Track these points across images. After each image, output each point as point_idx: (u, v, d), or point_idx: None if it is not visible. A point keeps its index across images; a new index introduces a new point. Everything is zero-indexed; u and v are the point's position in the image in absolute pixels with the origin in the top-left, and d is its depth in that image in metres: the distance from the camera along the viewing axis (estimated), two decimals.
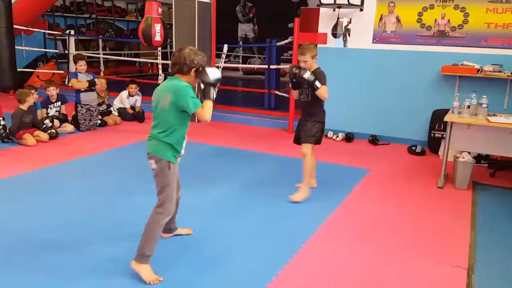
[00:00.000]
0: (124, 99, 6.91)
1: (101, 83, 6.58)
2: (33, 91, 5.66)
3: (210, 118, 2.59)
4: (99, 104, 6.59)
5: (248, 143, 5.77)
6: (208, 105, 2.58)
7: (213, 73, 2.60)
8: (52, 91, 6.04)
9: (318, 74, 3.67)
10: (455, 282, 2.65)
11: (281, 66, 7.85)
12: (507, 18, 5.17)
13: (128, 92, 6.93)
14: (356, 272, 2.73)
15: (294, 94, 3.93)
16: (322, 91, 3.65)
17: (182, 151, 2.70)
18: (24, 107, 5.41)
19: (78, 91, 6.07)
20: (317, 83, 3.61)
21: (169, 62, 9.48)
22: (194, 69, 2.53)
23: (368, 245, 3.08)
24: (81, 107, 6.12)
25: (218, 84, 2.69)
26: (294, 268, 2.74)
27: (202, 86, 2.62)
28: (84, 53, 8.53)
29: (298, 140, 3.96)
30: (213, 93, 2.63)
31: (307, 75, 3.59)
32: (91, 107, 6.20)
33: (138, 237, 3.02)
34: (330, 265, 2.81)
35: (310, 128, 3.81)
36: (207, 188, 4.07)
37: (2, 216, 3.34)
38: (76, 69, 6.17)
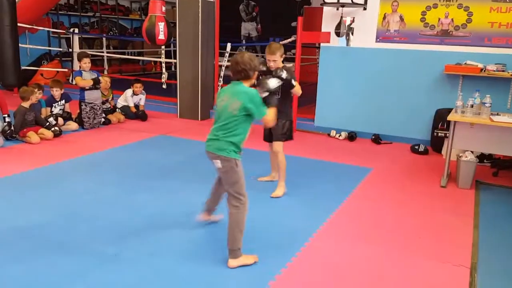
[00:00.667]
0: (129, 98, 6.92)
1: (105, 81, 6.61)
2: (36, 89, 5.68)
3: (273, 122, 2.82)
4: (103, 102, 6.61)
5: (250, 142, 5.74)
6: (273, 112, 2.84)
7: (273, 83, 3.04)
8: (55, 92, 6.05)
9: (290, 72, 3.73)
10: (458, 281, 2.66)
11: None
12: (511, 17, 5.16)
13: (133, 91, 6.95)
14: (359, 271, 2.74)
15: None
16: (297, 88, 3.76)
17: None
18: (26, 104, 5.43)
19: (83, 89, 6.09)
20: (293, 81, 3.70)
21: (172, 60, 9.51)
22: (256, 73, 2.78)
23: (370, 244, 3.09)
24: (85, 105, 6.13)
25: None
26: (297, 266, 2.75)
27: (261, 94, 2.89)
28: (88, 51, 8.54)
29: (269, 138, 4.06)
30: (275, 100, 2.93)
31: (284, 75, 3.62)
32: (95, 105, 6.21)
33: (141, 235, 3.06)
34: (333, 263, 2.82)
35: (281, 127, 3.89)
36: (210, 186, 4.08)
37: (5, 213, 3.36)
38: (80, 67, 6.18)
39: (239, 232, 2.71)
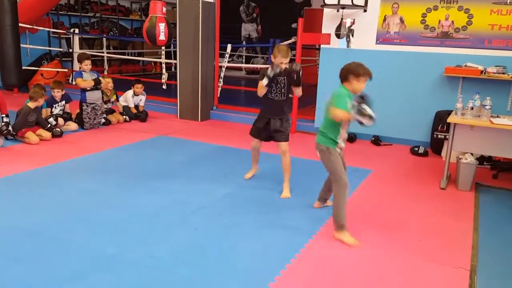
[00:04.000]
0: (129, 98, 6.92)
1: (106, 82, 6.62)
2: (43, 91, 5.67)
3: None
4: (105, 102, 6.62)
5: (250, 143, 5.76)
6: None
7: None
8: (56, 93, 6.05)
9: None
10: (457, 284, 2.66)
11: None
12: (511, 20, 5.16)
13: (134, 91, 6.95)
14: (358, 272, 2.74)
15: (262, 91, 3.88)
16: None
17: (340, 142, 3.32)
18: (32, 105, 5.44)
19: (84, 90, 6.09)
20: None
21: (172, 61, 9.51)
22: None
23: (370, 246, 3.09)
24: (87, 106, 6.14)
25: None
26: (297, 267, 2.75)
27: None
28: (88, 51, 8.55)
29: (264, 136, 4.14)
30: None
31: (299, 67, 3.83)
32: (96, 105, 6.21)
33: (141, 236, 3.05)
34: (333, 264, 2.82)
35: (286, 128, 4.02)
36: (211, 187, 4.09)
37: (5, 213, 3.36)
38: (80, 68, 6.18)
39: (341, 209, 3.14)
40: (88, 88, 6.08)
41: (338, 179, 3.22)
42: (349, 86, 3.24)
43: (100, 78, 6.25)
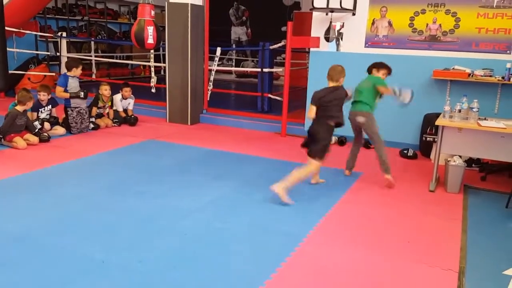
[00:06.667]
0: (118, 102, 6.86)
1: (104, 89, 6.58)
2: (31, 95, 5.60)
3: None
4: (99, 107, 6.56)
5: (241, 146, 5.76)
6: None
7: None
8: (42, 96, 5.98)
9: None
10: (446, 285, 2.66)
11: (274, 70, 7.86)
12: (497, 23, 5.23)
13: (122, 95, 6.89)
14: (348, 275, 2.74)
15: None
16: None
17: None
18: (21, 109, 5.37)
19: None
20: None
21: (161, 64, 9.46)
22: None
23: (360, 248, 3.09)
24: (72, 110, 6.07)
25: None
26: (287, 271, 2.74)
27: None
28: (76, 55, 8.47)
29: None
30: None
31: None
32: (81, 109, 6.15)
33: (130, 241, 3.02)
34: (323, 268, 2.82)
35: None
36: (201, 191, 4.07)
37: None
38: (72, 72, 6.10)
39: (385, 158, 4.44)
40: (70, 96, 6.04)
41: (380, 138, 4.40)
42: (379, 74, 4.58)
43: (82, 93, 6.10)
